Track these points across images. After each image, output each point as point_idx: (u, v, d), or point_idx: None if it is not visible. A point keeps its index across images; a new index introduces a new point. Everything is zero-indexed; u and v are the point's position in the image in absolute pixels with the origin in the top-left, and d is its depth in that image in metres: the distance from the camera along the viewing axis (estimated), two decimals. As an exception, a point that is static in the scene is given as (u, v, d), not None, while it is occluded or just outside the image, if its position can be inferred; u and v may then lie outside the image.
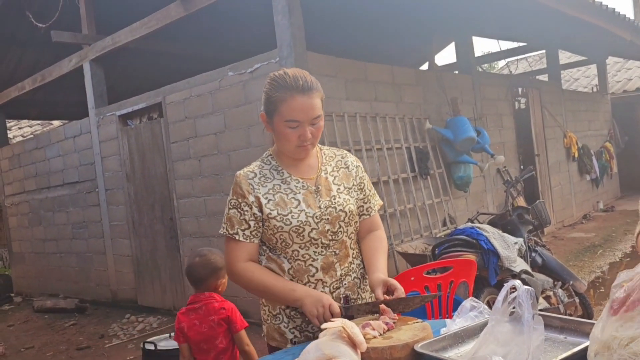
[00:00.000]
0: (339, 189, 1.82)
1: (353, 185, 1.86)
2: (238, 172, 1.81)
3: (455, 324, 1.63)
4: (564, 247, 7.32)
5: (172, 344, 3.28)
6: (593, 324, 1.50)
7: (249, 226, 1.75)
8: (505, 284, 1.29)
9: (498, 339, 1.29)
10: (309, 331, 1.77)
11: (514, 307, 1.30)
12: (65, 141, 7.51)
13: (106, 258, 7.05)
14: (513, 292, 1.31)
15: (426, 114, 6.31)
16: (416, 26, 8.23)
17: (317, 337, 1.73)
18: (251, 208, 1.74)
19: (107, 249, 7.01)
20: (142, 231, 6.47)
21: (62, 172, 7.64)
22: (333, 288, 1.76)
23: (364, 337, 1.40)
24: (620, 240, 7.69)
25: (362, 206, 1.89)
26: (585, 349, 1.31)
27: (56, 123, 11.99)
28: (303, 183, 1.78)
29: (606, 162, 11.15)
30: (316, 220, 1.73)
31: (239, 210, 1.75)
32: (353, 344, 1.34)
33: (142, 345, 3.26)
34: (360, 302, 1.82)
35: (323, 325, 1.38)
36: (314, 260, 1.74)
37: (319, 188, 1.78)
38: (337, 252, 1.77)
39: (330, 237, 1.75)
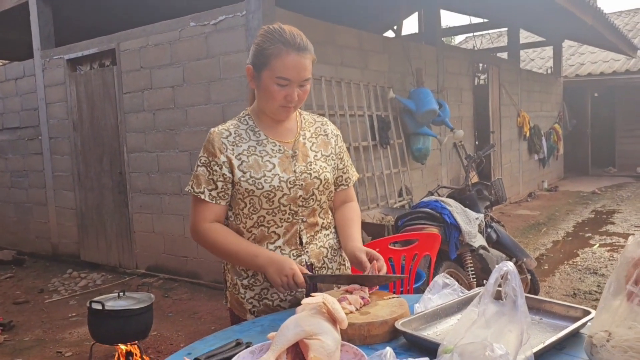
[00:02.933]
0: (316, 155, 1.74)
1: (331, 153, 1.79)
2: (212, 129, 1.71)
3: (431, 300, 1.60)
4: (511, 224, 7.55)
5: (120, 304, 3.14)
6: (567, 306, 1.50)
7: (216, 187, 1.66)
8: (497, 266, 1.24)
9: (484, 321, 1.25)
10: (268, 299, 1.72)
11: (498, 287, 1.26)
12: (5, 83, 7.00)
13: (47, 210, 6.71)
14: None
15: (390, 82, 6.24)
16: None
17: (276, 306, 1.71)
18: (221, 168, 1.65)
19: (49, 200, 6.67)
20: (88, 184, 6.17)
21: (1, 115, 7.15)
22: (293, 256, 1.69)
23: (341, 312, 1.34)
24: (563, 219, 8.00)
25: (341, 176, 1.83)
26: (571, 333, 1.29)
27: (-5, 63, 11.18)
28: (280, 146, 1.70)
29: (554, 143, 11.52)
30: (289, 186, 1.65)
31: (209, 168, 1.66)
32: (333, 320, 1.26)
33: (88, 304, 3.09)
34: (325, 271, 1.77)
35: (303, 301, 1.30)
36: (277, 227, 1.68)
37: (295, 152, 1.71)
38: (305, 219, 1.71)
39: (300, 204, 1.68)
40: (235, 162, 1.65)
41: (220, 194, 1.66)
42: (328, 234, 1.78)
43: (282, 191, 1.64)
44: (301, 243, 1.70)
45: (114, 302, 3.14)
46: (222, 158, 1.65)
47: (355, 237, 1.74)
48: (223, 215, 1.70)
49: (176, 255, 5.43)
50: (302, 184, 1.67)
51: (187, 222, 5.19)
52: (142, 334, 3.18)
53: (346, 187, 1.85)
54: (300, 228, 1.69)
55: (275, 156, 1.67)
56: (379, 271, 1.60)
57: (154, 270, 5.63)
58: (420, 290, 2.86)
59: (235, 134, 1.69)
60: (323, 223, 1.76)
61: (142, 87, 5.44)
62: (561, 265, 5.53)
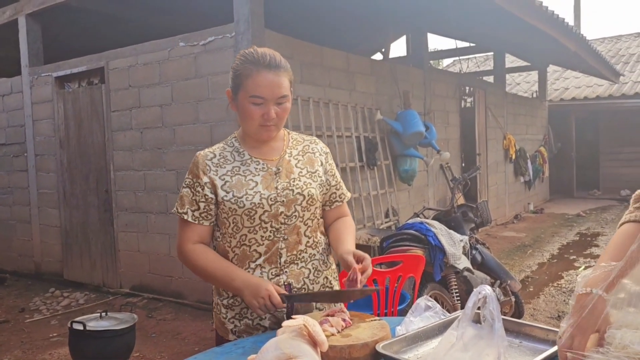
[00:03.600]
0: (301, 172, 1.74)
1: (317, 170, 1.78)
2: (198, 152, 1.75)
3: (412, 323, 1.60)
4: (497, 246, 7.58)
5: (102, 325, 3.11)
6: (547, 329, 1.51)
7: (199, 207, 1.68)
8: (475, 290, 1.25)
9: (462, 344, 1.26)
10: (248, 317, 1.71)
11: (478, 309, 1.28)
12: (-8, 99, 6.97)
13: (31, 227, 6.63)
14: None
15: (378, 104, 6.31)
16: (372, 16, 8.19)
17: (257, 324, 1.71)
18: (203, 189, 1.68)
19: (33, 217, 6.59)
20: (73, 202, 6.12)
21: (-13, 132, 7.10)
22: (272, 275, 1.68)
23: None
24: (548, 241, 8.05)
25: (335, 193, 1.83)
26: (549, 356, 1.31)
27: (-17, 79, 11.11)
28: (263, 164, 1.71)
29: (539, 166, 11.65)
30: (270, 203, 1.65)
31: (192, 190, 1.69)
32: (314, 343, 1.27)
33: (69, 325, 3.05)
34: (305, 292, 1.76)
35: (284, 323, 1.30)
36: (259, 245, 1.67)
37: (279, 169, 1.71)
38: (287, 237, 1.69)
39: (282, 221, 1.68)
40: (219, 183, 1.66)
41: (202, 215, 1.68)
42: (314, 254, 1.75)
43: (262, 208, 1.64)
44: (280, 262, 1.69)
45: (95, 323, 3.11)
46: (205, 179, 1.67)
47: (347, 242, 1.73)
48: (207, 235, 1.72)
49: (161, 274, 5.38)
50: (283, 200, 1.67)
51: (172, 242, 5.16)
52: (124, 355, 3.14)
53: (341, 203, 1.85)
54: (280, 246, 1.69)
55: (259, 174, 1.68)
56: (362, 272, 1.58)
57: (139, 289, 5.57)
58: (404, 312, 2.86)
59: (220, 156, 1.71)
60: (308, 242, 1.74)
61: (130, 105, 5.44)
62: (546, 288, 5.56)
